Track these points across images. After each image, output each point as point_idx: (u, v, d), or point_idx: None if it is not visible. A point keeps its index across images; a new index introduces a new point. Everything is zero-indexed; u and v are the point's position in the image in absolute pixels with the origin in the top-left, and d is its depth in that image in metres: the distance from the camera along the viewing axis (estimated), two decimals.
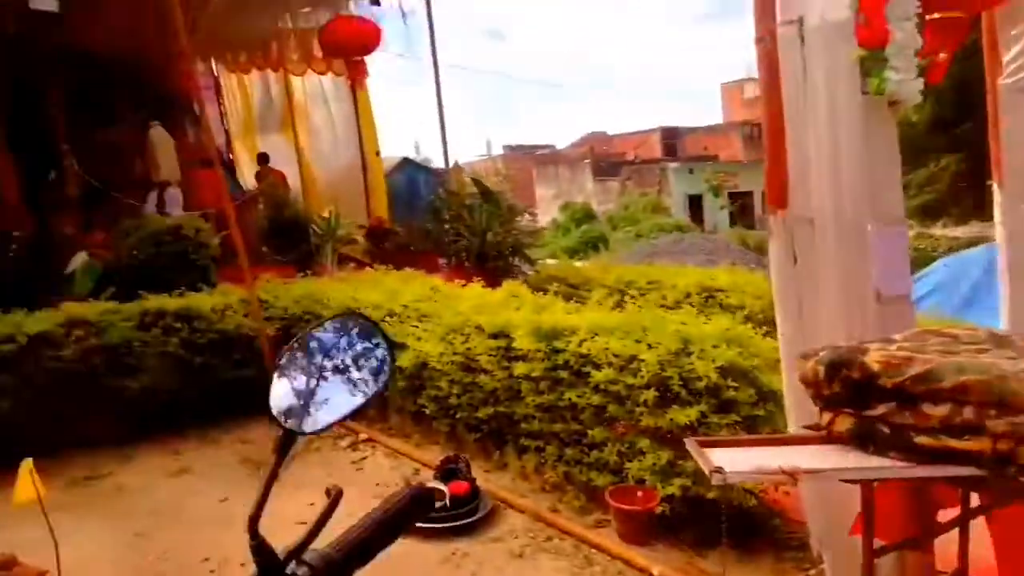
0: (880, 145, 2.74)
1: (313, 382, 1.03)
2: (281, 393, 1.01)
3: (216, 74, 11.88)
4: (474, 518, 3.71)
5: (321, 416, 1.01)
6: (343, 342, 1.09)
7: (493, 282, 6.16)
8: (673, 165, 29.22)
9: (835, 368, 2.26)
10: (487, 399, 4.28)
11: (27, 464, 2.57)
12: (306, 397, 1.02)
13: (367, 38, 9.35)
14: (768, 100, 2.92)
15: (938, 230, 17.33)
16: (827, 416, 2.36)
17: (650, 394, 3.40)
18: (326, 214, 8.85)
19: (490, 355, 4.19)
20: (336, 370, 1.06)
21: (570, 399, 3.74)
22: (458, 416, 4.55)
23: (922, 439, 2.09)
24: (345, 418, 1.04)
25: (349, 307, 5.13)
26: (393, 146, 11.42)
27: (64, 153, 6.16)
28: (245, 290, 5.83)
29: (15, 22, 6.11)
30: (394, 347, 1.09)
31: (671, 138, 37.47)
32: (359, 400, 1.04)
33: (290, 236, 9.12)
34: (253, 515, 0.90)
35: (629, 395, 3.51)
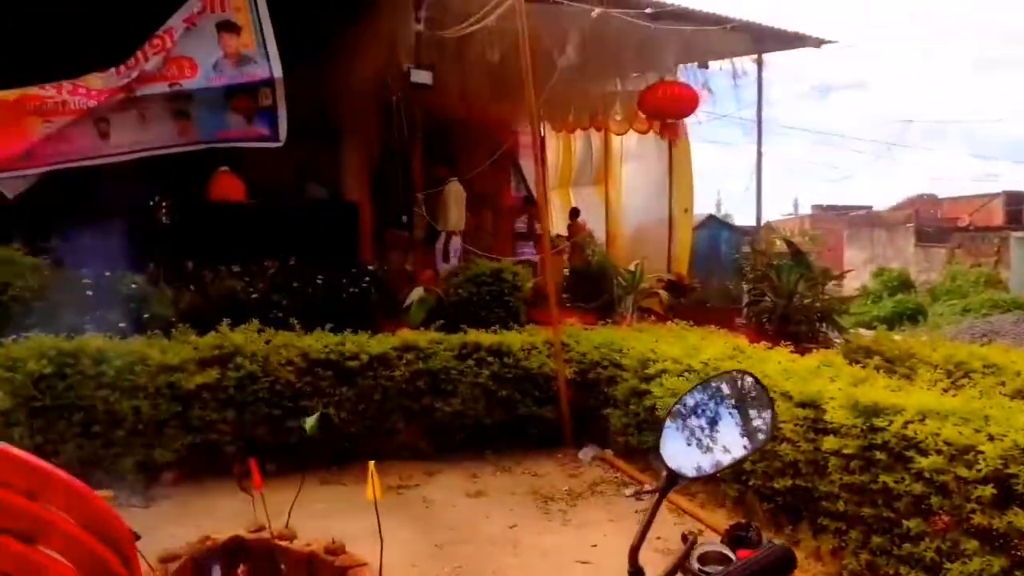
0: None
1: (700, 431, 1.11)
2: (670, 437, 1.10)
3: (542, 133, 12.89)
4: None
5: (704, 463, 1.09)
6: (731, 397, 1.16)
7: (797, 347, 5.86)
8: (1017, 234, 25.44)
9: None
10: (785, 470, 4.06)
11: (371, 467, 2.96)
12: (692, 444, 1.10)
13: (684, 102, 9.56)
14: None
15: None
16: None
17: (987, 490, 2.99)
18: (631, 267, 9.10)
19: (796, 425, 3.98)
20: (722, 422, 1.13)
21: (885, 483, 3.41)
22: (751, 483, 4.36)
23: None
24: (725, 468, 1.10)
25: (689, 367, 5.19)
26: (697, 203, 11.49)
27: (417, 202, 7.11)
28: (550, 332, 6.18)
29: (396, 93, 7.30)
30: (775, 407, 1.14)
31: (1017, 204, 32.74)
32: (740, 452, 1.10)
33: (594, 285, 9.52)
34: (635, 545, 0.99)
35: (959, 489, 3.12)
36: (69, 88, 6.16)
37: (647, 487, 5.10)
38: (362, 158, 9.37)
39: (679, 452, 1.07)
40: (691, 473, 1.07)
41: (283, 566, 3.05)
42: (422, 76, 7.26)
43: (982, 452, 3.06)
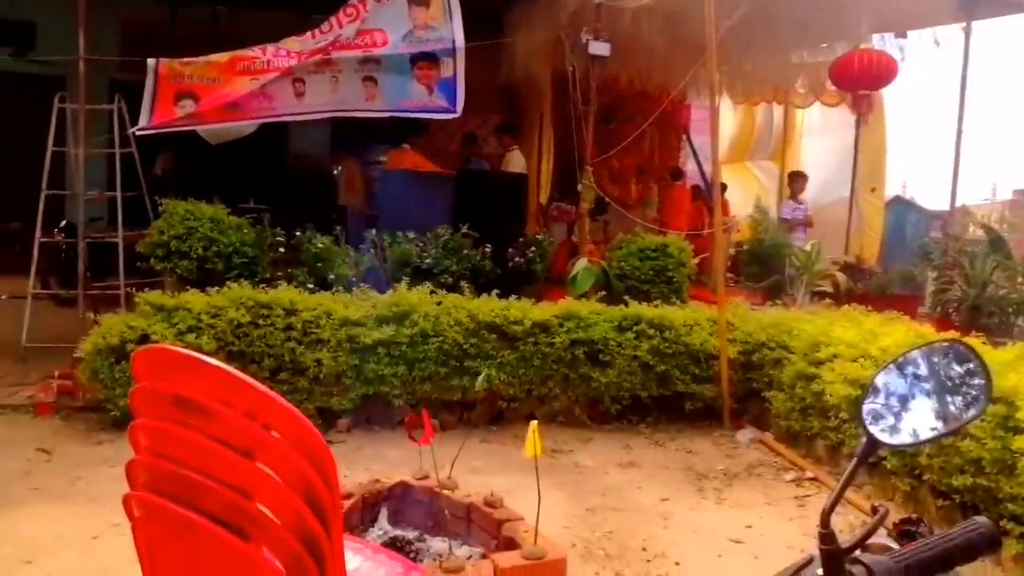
0: None
1: (906, 400, 1.09)
2: (873, 403, 1.10)
3: (717, 105, 12.52)
4: None
5: (906, 432, 1.08)
6: (943, 367, 1.13)
7: (989, 340, 5.39)
8: None
9: None
10: (966, 467, 3.78)
11: (533, 425, 3.07)
12: (896, 412, 1.09)
13: (882, 72, 8.87)
14: None
15: None
16: None
17: None
18: (807, 247, 8.68)
19: (984, 420, 3.69)
20: (931, 392, 1.11)
21: None
22: (925, 478, 4.10)
23: None
24: (930, 440, 1.09)
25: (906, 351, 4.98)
26: (887, 184, 10.68)
27: (586, 172, 7.16)
28: (715, 310, 6.06)
29: (573, 64, 7.36)
30: (992, 381, 1.10)
31: None
32: (948, 425, 1.08)
33: (765, 265, 9.19)
34: (828, 507, 1.00)
35: None
36: (272, 50, 6.71)
37: (808, 473, 4.93)
38: (534, 132, 9.53)
39: (879, 419, 1.06)
40: (892, 441, 1.05)
41: (446, 512, 3.25)
42: (600, 48, 7.24)
43: None
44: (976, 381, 1.08)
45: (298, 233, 6.60)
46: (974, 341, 4.67)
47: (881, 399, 1.07)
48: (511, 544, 3.20)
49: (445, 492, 3.48)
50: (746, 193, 12.34)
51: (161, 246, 6.20)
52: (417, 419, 3.18)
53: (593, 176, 7.24)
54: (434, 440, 3.15)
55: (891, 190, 12.68)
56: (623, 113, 10.47)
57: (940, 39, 9.20)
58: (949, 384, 1.08)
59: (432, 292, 5.70)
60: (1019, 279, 7.77)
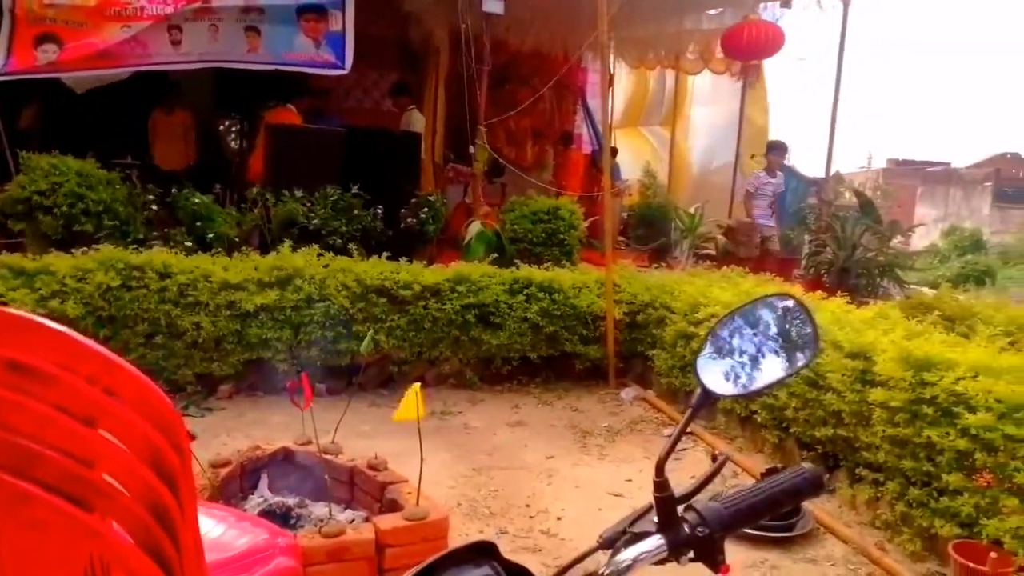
0: None
1: (739, 352, 1.12)
2: (707, 356, 1.12)
3: (612, 70, 12.66)
4: (792, 533, 3.56)
5: (740, 382, 1.11)
6: (774, 319, 1.16)
7: (855, 300, 5.74)
8: None
9: None
10: (828, 419, 4.04)
11: (415, 388, 3.05)
12: (729, 364, 1.12)
13: (770, 42, 9.15)
14: None
15: None
16: None
17: None
18: (691, 210, 8.95)
19: (843, 375, 3.94)
20: (763, 344, 1.14)
21: (929, 437, 3.37)
22: (791, 430, 4.36)
23: None
24: (761, 390, 1.12)
25: (755, 299, 5.16)
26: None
27: (480, 133, 7.09)
28: (603, 272, 6.18)
29: (466, 21, 7.20)
30: (819, 331, 1.14)
31: None
32: (778, 375, 1.12)
33: (652, 227, 9.43)
34: (662, 456, 1.01)
35: (1005, 447, 3.07)
36: None
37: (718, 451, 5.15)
38: (431, 91, 9.36)
39: (715, 371, 1.09)
40: (725, 391, 1.09)
41: (327, 477, 3.20)
42: (493, 5, 7.13)
43: None
44: (806, 332, 1.12)
45: (174, 191, 6.26)
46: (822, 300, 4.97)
47: (716, 351, 1.11)
48: (394, 506, 3.20)
49: (328, 457, 3.44)
50: (640, 157, 12.61)
51: (21, 202, 5.75)
52: (298, 383, 3.11)
53: (488, 138, 7.19)
54: (315, 404, 3.09)
55: None
56: (519, 74, 10.40)
57: (823, 5, 9.54)
58: (781, 335, 1.13)
59: (319, 255, 5.55)
60: (885, 243, 8.30)
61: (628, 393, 5.92)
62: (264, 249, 5.72)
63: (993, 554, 3.03)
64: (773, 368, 1.10)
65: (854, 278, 7.80)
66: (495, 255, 6.43)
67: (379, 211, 6.79)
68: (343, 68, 6.88)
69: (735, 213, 10.29)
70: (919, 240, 26.31)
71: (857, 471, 3.89)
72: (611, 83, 12.76)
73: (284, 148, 7.42)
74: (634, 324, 6.10)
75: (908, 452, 3.53)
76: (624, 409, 5.66)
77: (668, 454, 1.01)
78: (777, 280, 5.97)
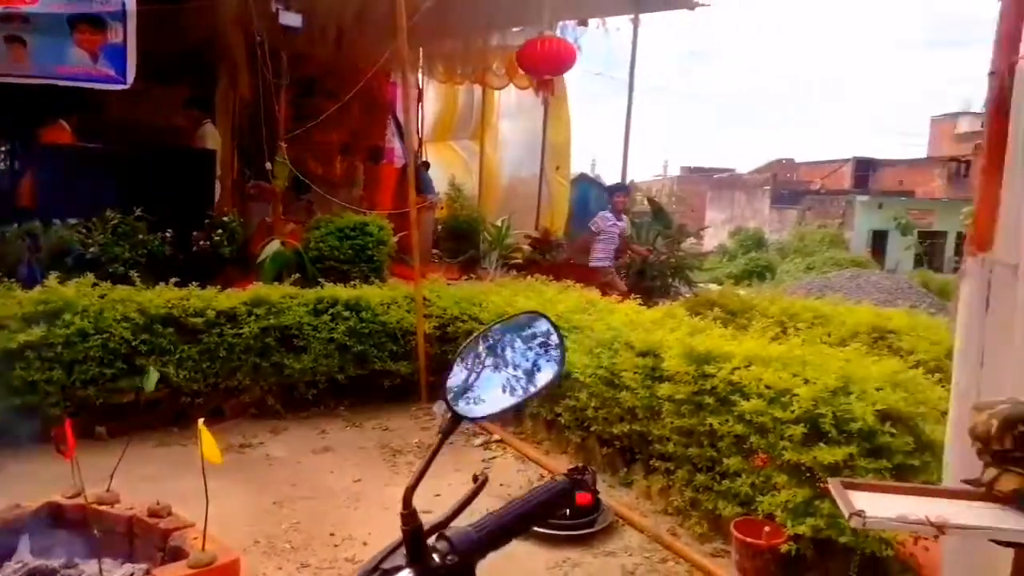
0: None
1: (488, 372, 1.09)
2: (457, 379, 1.07)
3: (420, 85, 12.66)
4: (592, 530, 3.68)
5: (489, 405, 1.07)
6: (521, 338, 1.14)
7: (650, 301, 6.07)
8: (861, 198, 27.39)
9: (1011, 423, 2.06)
10: (624, 416, 4.23)
11: (200, 424, 2.82)
12: (479, 385, 1.08)
13: (562, 59, 9.54)
14: (992, 136, 2.70)
15: None
16: (991, 472, 2.15)
17: (798, 430, 3.21)
18: (498, 222, 9.11)
19: (635, 372, 4.13)
20: (510, 364, 1.12)
21: (711, 425, 3.61)
22: (592, 429, 4.52)
23: None
24: (510, 410, 1.10)
25: (539, 311, 5.23)
26: (573, 162, 11.60)
27: (280, 149, 6.80)
28: (412, 287, 6.12)
29: (265, 35, 6.87)
30: (564, 346, 1.14)
31: (864, 170, 35.26)
32: (526, 394, 1.10)
33: (462, 240, 9.50)
34: (411, 486, 0.96)
35: (775, 428, 3.34)
36: None
37: (495, 436, 5.20)
38: (228, 105, 8.85)
39: (465, 393, 1.05)
40: (475, 414, 1.05)
41: (96, 532, 2.89)
42: (291, 18, 6.88)
43: (797, 395, 3.28)
44: (553, 349, 1.13)
45: None
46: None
47: (464, 373, 1.08)
48: (178, 554, 2.94)
49: (102, 508, 3.11)
50: (451, 171, 12.69)
51: None
52: (63, 430, 2.79)
53: (294, 153, 6.93)
54: (95, 449, 2.80)
55: (577, 168, 13.85)
56: (325, 87, 10.13)
57: (611, 26, 10.15)
58: (529, 353, 1.13)
59: (95, 284, 5.06)
60: (676, 246, 8.88)
61: (440, 407, 5.85)
62: (32, 283, 5.13)
63: (767, 527, 3.28)
64: (521, 386, 1.10)
65: (650, 280, 8.27)
66: (296, 275, 6.18)
67: (168, 234, 6.31)
68: (124, 83, 6.34)
69: (541, 225, 10.62)
70: (711, 241, 28.64)
71: (651, 462, 4.09)
72: (420, 98, 12.83)
73: (55, 169, 6.74)
74: (444, 337, 6.08)
75: (694, 441, 3.76)
76: (437, 423, 5.61)
77: (416, 483, 0.97)
78: (578, 286, 6.18)
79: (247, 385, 5.41)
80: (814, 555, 3.18)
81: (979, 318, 2.67)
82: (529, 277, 6.49)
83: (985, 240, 2.66)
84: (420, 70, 12.13)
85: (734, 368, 3.62)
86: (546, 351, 1.15)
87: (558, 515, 3.70)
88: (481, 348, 1.12)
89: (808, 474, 3.18)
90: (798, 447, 3.21)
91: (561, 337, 1.16)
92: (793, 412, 3.26)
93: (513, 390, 1.10)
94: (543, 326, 1.16)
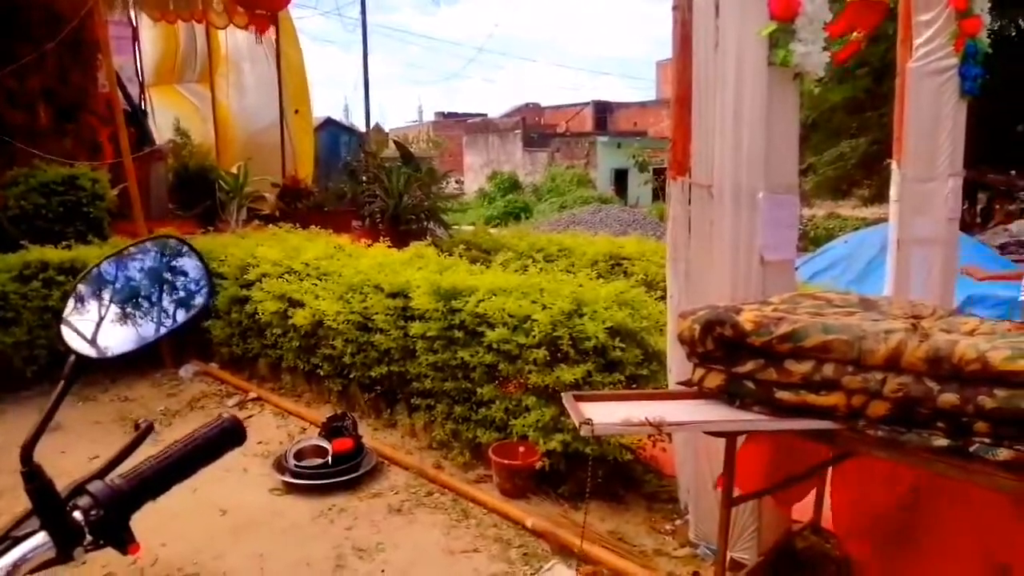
0: (781, 116, 2.78)
1: (116, 307, 0.95)
2: (76, 316, 0.93)
3: (135, 23, 11.36)
4: (356, 475, 3.66)
5: (122, 342, 0.94)
6: (152, 266, 1.02)
7: (404, 244, 6.05)
8: (602, 139, 29.35)
9: (710, 326, 2.30)
10: (381, 358, 4.20)
11: None
12: (106, 323, 0.95)
13: None
14: (678, 68, 2.93)
15: (847, 210, 17.91)
16: (699, 372, 2.40)
17: (540, 353, 3.38)
18: (234, 170, 8.53)
19: (387, 314, 4.10)
20: (144, 295, 0.99)
21: (463, 358, 3.69)
22: (351, 375, 4.46)
23: (783, 394, 2.14)
24: (150, 344, 0.97)
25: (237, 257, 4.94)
26: (320, 107, 11.09)
27: None
28: None
29: None
30: (210, 271, 1.03)
31: (603, 112, 37.67)
32: (167, 326, 0.98)
33: (195, 191, 8.78)
34: (27, 442, 0.83)
35: (520, 354, 3.49)
36: None
37: (252, 394, 4.96)
38: None
39: (89, 332, 0.93)
40: (102, 354, 0.93)
41: None
42: None
43: (536, 320, 3.44)
44: (196, 273, 1.04)
45: None
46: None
47: (88, 310, 0.96)
48: None
49: None
50: (181, 118, 11.63)
51: None
52: None
53: None
54: None
55: (329, 113, 13.34)
56: (17, 26, 8.73)
57: None
58: (166, 282, 1.02)
59: None
60: (428, 190, 8.91)
61: (188, 370, 5.49)
62: None
63: (522, 448, 3.46)
64: (162, 318, 0.99)
65: (405, 224, 8.25)
66: None
67: None
68: None
69: (288, 172, 10.14)
70: (471, 184, 29.27)
71: (412, 401, 4.12)
72: (135, 36, 11.55)
73: None
74: None
75: (449, 375, 3.84)
76: (184, 388, 5.23)
77: (35, 438, 0.85)
78: (326, 232, 6.00)
79: None
80: (566, 468, 3.40)
81: (683, 236, 2.96)
82: (273, 226, 6.17)
83: (683, 165, 2.93)
84: (131, 5, 10.92)
85: (479, 301, 3.71)
86: (187, 278, 1.04)
87: (318, 467, 3.64)
88: (104, 280, 1.00)
89: (553, 394, 3.37)
90: (542, 369, 3.39)
91: (203, 261, 1.05)
92: (534, 337, 3.42)
93: (152, 323, 0.99)
94: (181, 250, 1.05)
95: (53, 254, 5.17)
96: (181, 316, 0.99)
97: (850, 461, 2.44)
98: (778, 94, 2.75)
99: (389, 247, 5.14)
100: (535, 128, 34.00)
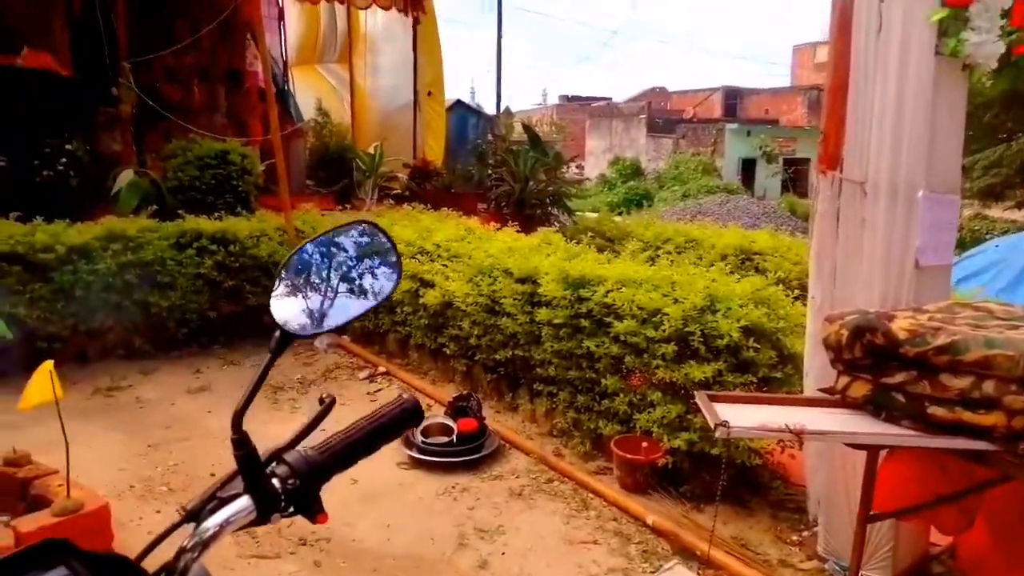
0: (947, 110, 2.62)
1: (317, 287, 1.02)
2: (282, 295, 1.00)
3: (280, 3, 11.91)
4: (479, 455, 3.74)
5: (322, 320, 1.01)
6: (350, 249, 1.08)
7: (529, 229, 6.11)
8: (730, 126, 28.41)
9: (859, 333, 2.19)
10: (507, 342, 4.27)
11: (47, 366, 2.62)
12: (308, 301, 1.01)
13: None
14: (836, 56, 2.79)
15: (997, 212, 16.54)
16: (843, 380, 2.30)
17: (669, 348, 3.34)
18: (371, 150, 8.83)
19: (515, 299, 4.16)
20: (341, 276, 1.05)
21: (588, 347, 3.70)
22: (476, 357, 4.55)
23: (936, 410, 2.03)
24: (345, 323, 1.03)
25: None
26: (450, 89, 11.22)
27: (123, 71, 6.22)
28: (283, 218, 5.88)
29: None
30: (400, 256, 1.08)
31: (733, 99, 36.48)
32: (362, 306, 1.04)
33: (333, 169, 9.16)
34: (238, 410, 0.91)
35: (648, 348, 3.45)
36: None
37: (381, 369, 5.15)
38: (62, 20, 7.99)
39: (293, 309, 0.99)
40: (307, 330, 1.00)
41: None
42: None
43: (667, 314, 3.39)
44: (389, 258, 1.08)
45: None
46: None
47: (291, 288, 1.02)
48: (41, 503, 2.78)
49: None
50: (319, 97, 12.14)
51: None
52: None
53: (143, 76, 6.38)
54: None
55: (454, 95, 13.55)
56: (175, 6, 9.36)
57: None
58: (361, 265, 1.07)
59: None
60: (554, 174, 8.92)
61: (322, 341, 5.75)
62: None
63: (645, 443, 3.44)
64: (356, 299, 1.04)
65: (530, 208, 8.31)
66: (154, 207, 5.80)
67: (3, 164, 5.74)
68: None
69: (419, 153, 10.39)
70: (592, 170, 29.07)
71: (535, 386, 4.17)
72: (281, 16, 12.10)
73: None
74: None
75: (573, 363, 3.85)
76: (319, 359, 5.50)
77: (245, 406, 0.92)
78: (456, 214, 6.12)
79: (110, 325, 5.10)
80: (690, 467, 3.36)
81: (831, 235, 2.83)
82: (406, 206, 6.35)
83: (834, 159, 2.79)
84: None
85: (607, 291, 3.70)
86: (381, 261, 1.09)
87: (444, 445, 3.75)
88: (307, 260, 1.06)
89: (681, 391, 3.32)
90: (671, 365, 3.34)
91: (395, 246, 1.10)
92: (664, 331, 3.37)
93: (349, 303, 1.04)
94: (376, 235, 1.10)
95: (207, 224, 5.53)
96: (372, 298, 1.05)
97: (1006, 487, 2.29)
98: (945, 86, 2.58)
99: (518, 232, 5.19)
100: (661, 113, 33.35)
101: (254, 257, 5.58)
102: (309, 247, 1.04)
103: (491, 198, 8.97)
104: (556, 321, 3.85)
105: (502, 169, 8.74)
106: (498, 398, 4.51)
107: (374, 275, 1.06)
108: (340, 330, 1.04)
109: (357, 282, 1.05)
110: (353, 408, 4.47)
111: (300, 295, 1.01)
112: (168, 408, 4.48)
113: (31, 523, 2.60)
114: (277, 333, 0.95)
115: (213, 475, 3.61)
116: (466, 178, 9.86)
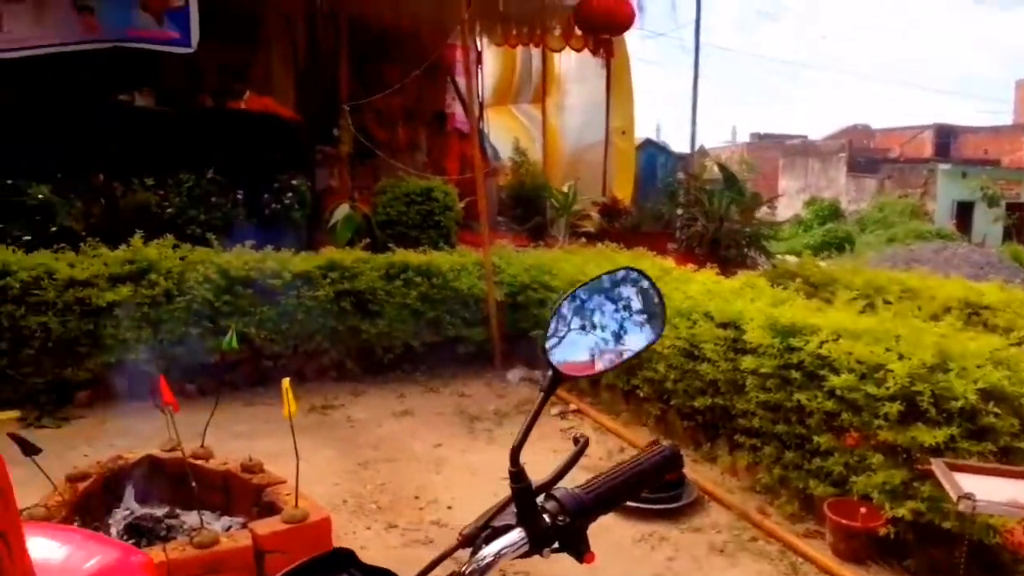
0: None
1: (585, 330, 1.05)
2: (555, 336, 1.04)
3: (479, 48, 12.55)
4: (678, 504, 3.63)
5: (589, 363, 1.04)
6: (619, 295, 1.10)
7: (725, 271, 5.94)
8: (944, 167, 26.17)
9: None
10: (706, 389, 4.14)
11: (285, 384, 2.88)
12: (578, 343, 1.05)
13: (621, 17, 9.27)
14: None
15: None
16: None
17: (894, 407, 3.09)
18: (565, 188, 9.01)
19: (716, 344, 4.04)
20: (611, 320, 1.07)
21: (799, 401, 3.50)
22: (671, 401, 4.45)
23: None
24: (612, 367, 1.06)
25: (627, 270, 5.17)
26: (637, 126, 11.31)
27: (343, 113, 6.82)
28: (481, 254, 6.11)
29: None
30: (664, 305, 1.10)
31: (945, 137, 33.70)
32: (628, 351, 1.06)
33: (527, 207, 9.43)
34: (517, 444, 0.94)
35: (868, 405, 3.21)
36: None
37: (572, 407, 5.18)
38: (287, 68, 8.89)
39: (565, 351, 1.02)
40: (575, 372, 1.02)
41: (194, 484, 2.98)
42: None
43: (891, 370, 3.14)
44: (653, 306, 1.08)
45: (9, 182, 5.68)
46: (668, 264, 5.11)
47: (563, 330, 1.04)
48: (272, 510, 3.02)
49: (197, 462, 3.21)
50: (511, 137, 12.59)
51: None
52: (158, 386, 2.88)
53: (356, 119, 6.95)
54: (185, 406, 2.88)
55: (643, 133, 13.56)
56: (385, 52, 10.12)
57: None
58: (628, 311, 1.08)
59: (175, 246, 5.19)
60: (750, 215, 8.66)
61: (515, 375, 5.90)
62: (112, 243, 5.29)
63: (863, 509, 3.19)
64: (621, 344, 1.05)
65: (724, 249, 8.09)
66: (367, 240, 6.24)
67: (239, 196, 6.41)
68: (189, 46, 6.41)
69: (608, 191, 10.46)
70: (784, 210, 27.86)
71: (736, 438, 4.00)
72: (479, 61, 12.72)
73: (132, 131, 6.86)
74: (516, 305, 6.07)
75: (781, 416, 3.66)
76: (511, 391, 5.63)
77: (522, 442, 0.95)
78: (650, 254, 6.07)
79: (325, 348, 5.52)
80: (915, 540, 3.07)
81: None
82: (599, 244, 6.39)
83: None
84: (478, 32, 12.01)
85: (822, 341, 3.49)
86: (645, 310, 1.09)
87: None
88: (578, 305, 1.08)
89: (905, 455, 3.06)
90: (894, 426, 3.09)
91: (660, 295, 1.10)
92: (888, 388, 3.13)
93: (613, 349, 1.06)
94: (642, 283, 1.10)
95: (413, 257, 5.86)
96: (637, 344, 1.06)
97: None
98: None
99: (718, 274, 5.06)
100: (863, 152, 31.42)
101: (455, 290, 5.83)
102: (581, 292, 1.07)
103: (682, 238, 8.83)
104: (763, 370, 3.69)
105: (695, 208, 8.60)
106: (695, 447, 4.38)
107: (638, 323, 1.07)
108: (604, 372, 1.06)
109: (623, 328, 1.07)
110: (549, 444, 4.53)
111: (570, 338, 1.04)
112: (375, 429, 4.76)
113: (265, 527, 2.82)
114: (550, 373, 0.98)
115: (417, 497, 3.79)
116: (655, 217, 9.79)
